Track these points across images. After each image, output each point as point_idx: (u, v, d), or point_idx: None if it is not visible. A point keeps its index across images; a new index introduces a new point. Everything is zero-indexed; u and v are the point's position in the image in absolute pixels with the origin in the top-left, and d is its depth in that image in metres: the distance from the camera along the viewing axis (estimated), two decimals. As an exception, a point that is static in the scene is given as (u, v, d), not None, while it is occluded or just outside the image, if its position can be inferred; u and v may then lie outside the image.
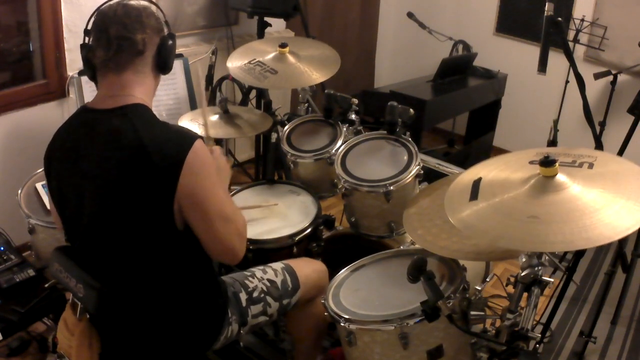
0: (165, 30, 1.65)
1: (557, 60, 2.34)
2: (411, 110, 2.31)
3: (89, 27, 1.60)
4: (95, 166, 1.54)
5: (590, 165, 1.50)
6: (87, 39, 1.61)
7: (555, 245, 1.34)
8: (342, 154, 2.34)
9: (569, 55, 2.09)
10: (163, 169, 1.47)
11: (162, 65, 1.65)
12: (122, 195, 1.51)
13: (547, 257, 1.61)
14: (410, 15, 4.54)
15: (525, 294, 1.58)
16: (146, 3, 1.63)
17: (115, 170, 1.50)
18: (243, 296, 1.80)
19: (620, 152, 2.60)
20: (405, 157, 2.27)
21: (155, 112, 1.61)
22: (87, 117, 1.60)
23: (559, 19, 2.02)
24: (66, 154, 1.60)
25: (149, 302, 1.62)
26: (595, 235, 1.29)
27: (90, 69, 1.61)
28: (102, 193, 1.53)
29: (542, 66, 2.04)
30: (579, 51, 4.16)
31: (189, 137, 1.53)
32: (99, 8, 1.59)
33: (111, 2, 1.59)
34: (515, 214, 1.40)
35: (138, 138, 1.49)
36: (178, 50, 3.36)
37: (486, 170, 1.61)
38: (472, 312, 1.70)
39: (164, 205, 1.50)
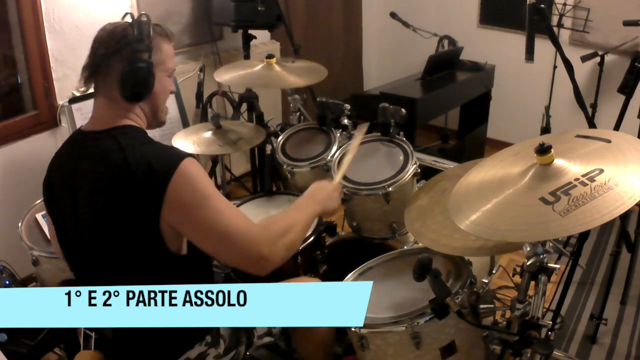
0: (144, 55, 1.54)
1: (543, 46, 2.34)
2: (403, 110, 2.31)
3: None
4: (86, 189, 1.53)
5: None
6: None
7: (572, 228, 1.29)
8: (338, 159, 2.34)
9: (555, 41, 2.10)
10: (147, 188, 1.44)
11: (126, 94, 1.54)
12: (112, 216, 1.49)
13: (551, 244, 1.61)
14: (393, 15, 4.55)
15: (532, 283, 1.58)
16: (122, 25, 1.58)
17: (103, 192, 1.49)
18: None
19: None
20: (401, 157, 2.27)
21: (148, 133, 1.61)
22: (79, 140, 1.61)
23: (542, 5, 2.03)
24: (63, 178, 1.60)
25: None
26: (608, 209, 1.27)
27: None
28: (94, 215, 1.52)
29: (530, 54, 2.04)
30: (564, 35, 4.18)
31: (176, 156, 1.48)
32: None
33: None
34: (523, 206, 1.39)
35: (123, 158, 1.47)
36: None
37: (483, 172, 1.61)
38: (482, 306, 1.70)
39: (150, 225, 1.47)
